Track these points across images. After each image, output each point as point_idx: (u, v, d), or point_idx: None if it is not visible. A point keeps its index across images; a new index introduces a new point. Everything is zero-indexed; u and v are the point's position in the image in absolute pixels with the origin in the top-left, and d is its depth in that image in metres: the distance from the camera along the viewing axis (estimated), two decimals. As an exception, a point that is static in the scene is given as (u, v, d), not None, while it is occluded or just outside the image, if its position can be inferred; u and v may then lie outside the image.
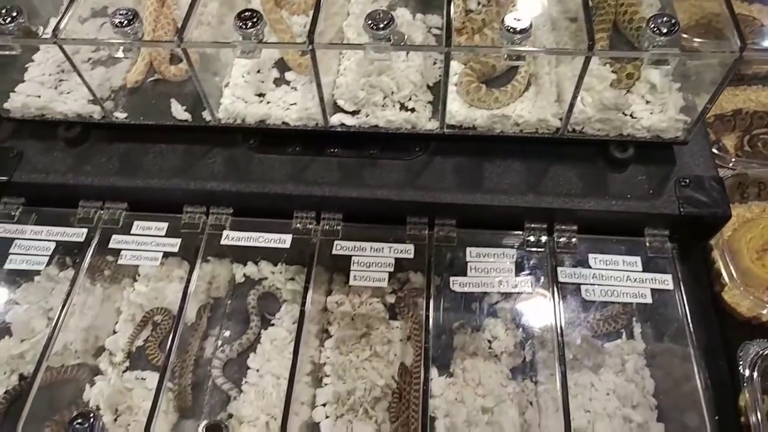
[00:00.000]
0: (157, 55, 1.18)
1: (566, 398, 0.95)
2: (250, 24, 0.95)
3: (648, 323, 1.11)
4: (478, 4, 1.20)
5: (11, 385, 1.11)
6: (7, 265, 1.12)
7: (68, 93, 1.17)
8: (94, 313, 1.17)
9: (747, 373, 1.05)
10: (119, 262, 1.12)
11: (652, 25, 0.91)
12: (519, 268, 1.07)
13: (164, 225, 1.13)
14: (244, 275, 1.23)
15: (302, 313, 1.04)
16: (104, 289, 1.20)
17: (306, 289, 1.06)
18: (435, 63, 1.16)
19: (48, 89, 1.17)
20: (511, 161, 1.10)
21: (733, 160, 1.31)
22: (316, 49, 0.95)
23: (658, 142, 1.05)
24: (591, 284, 1.05)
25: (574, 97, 0.99)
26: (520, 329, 1.12)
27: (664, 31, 0.90)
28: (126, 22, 0.97)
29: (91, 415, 0.94)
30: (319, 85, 1.00)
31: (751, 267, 1.13)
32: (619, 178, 1.08)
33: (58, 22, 1.01)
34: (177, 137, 1.16)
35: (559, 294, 1.04)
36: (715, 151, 1.26)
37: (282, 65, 1.18)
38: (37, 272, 1.19)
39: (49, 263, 1.16)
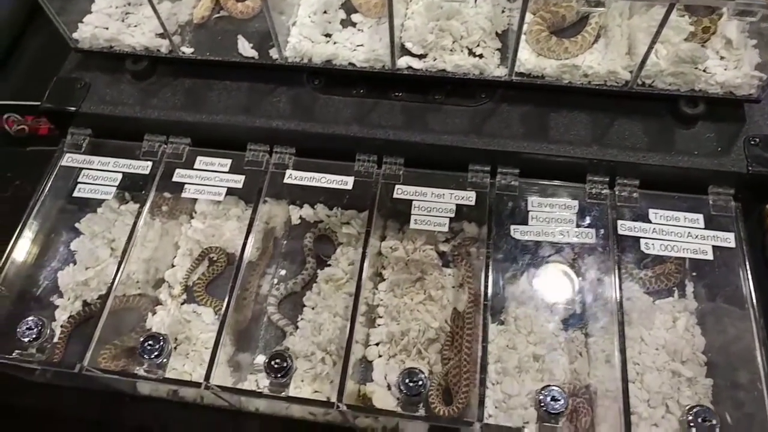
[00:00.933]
0: (224, -8, 1.17)
1: (624, 350, 0.96)
2: (327, -41, 0.95)
3: (704, 281, 1.11)
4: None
5: (75, 310, 1.15)
6: (76, 194, 1.14)
7: (135, 26, 1.17)
8: (154, 246, 1.19)
9: (794, 337, 1.06)
10: (182, 195, 1.14)
11: (740, -25, 0.89)
12: (580, 220, 1.07)
13: (227, 161, 1.14)
14: (300, 217, 1.25)
15: (364, 254, 1.05)
16: (163, 224, 1.23)
17: (368, 231, 1.07)
18: (503, 11, 1.14)
19: (115, 21, 1.18)
20: (577, 113, 1.10)
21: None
22: (393, -13, 0.94)
23: (730, 98, 1.04)
24: (651, 238, 1.04)
25: (650, 48, 0.98)
26: (575, 281, 1.13)
27: (752, -19, 0.88)
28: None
29: (161, 338, 0.97)
30: (391, 26, 1.00)
31: (810, 233, 1.13)
32: (687, 134, 1.07)
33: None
34: (242, 75, 1.17)
35: (617, 247, 1.04)
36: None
37: (348, 7, 1.17)
38: (100, 203, 1.22)
39: (112, 195, 1.17)
